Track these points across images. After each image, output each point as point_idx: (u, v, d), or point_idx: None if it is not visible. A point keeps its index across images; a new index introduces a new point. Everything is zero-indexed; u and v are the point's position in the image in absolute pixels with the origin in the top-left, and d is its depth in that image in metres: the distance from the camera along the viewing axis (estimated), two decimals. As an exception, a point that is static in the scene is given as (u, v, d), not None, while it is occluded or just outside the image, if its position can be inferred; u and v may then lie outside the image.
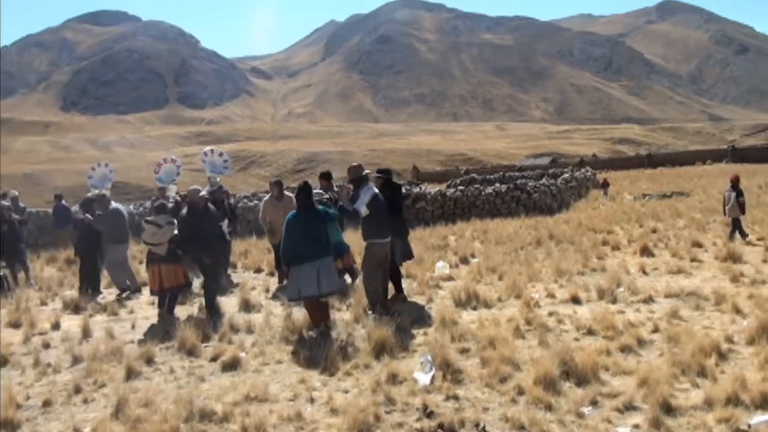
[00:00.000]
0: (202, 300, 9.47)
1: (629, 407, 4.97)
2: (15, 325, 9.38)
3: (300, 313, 8.13)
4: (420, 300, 9.21)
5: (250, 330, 8.08)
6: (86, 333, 8.52)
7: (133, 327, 8.99)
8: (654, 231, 14.71)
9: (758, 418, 4.62)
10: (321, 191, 10.50)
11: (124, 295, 11.38)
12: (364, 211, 8.14)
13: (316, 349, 6.76)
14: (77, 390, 6.17)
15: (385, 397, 5.38)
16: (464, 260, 12.44)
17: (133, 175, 66.85)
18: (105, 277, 12.40)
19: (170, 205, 10.92)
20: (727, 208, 13.14)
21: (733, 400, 4.84)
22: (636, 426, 4.67)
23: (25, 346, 8.19)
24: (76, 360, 7.24)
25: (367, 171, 8.77)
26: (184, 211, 9.57)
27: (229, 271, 12.60)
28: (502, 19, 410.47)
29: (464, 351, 6.54)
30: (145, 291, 10.93)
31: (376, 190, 8.42)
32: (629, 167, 58.08)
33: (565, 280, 9.80)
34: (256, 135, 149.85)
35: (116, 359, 7.06)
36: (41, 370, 6.95)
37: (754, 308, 7.36)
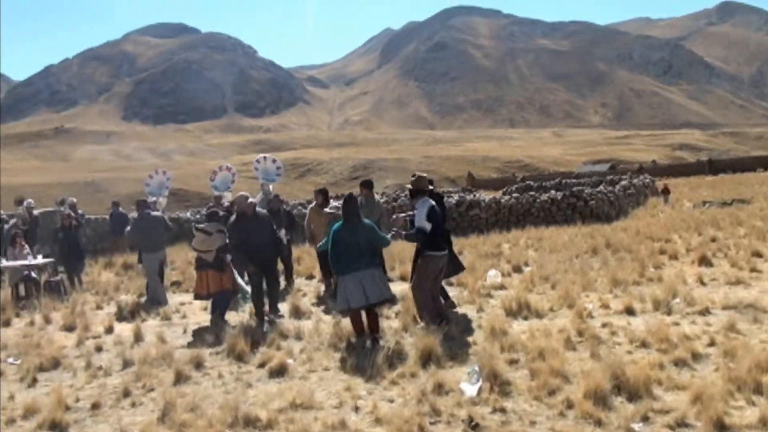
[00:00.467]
0: (251, 306, 9.54)
1: (681, 424, 4.74)
2: (69, 328, 9.61)
3: (349, 321, 8.12)
4: (470, 309, 9.06)
5: (299, 336, 8.09)
6: (138, 337, 8.68)
7: (184, 332, 9.12)
8: (713, 240, 14.15)
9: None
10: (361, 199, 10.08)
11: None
12: (427, 226, 7.81)
13: (363, 357, 6.71)
14: (126, 393, 6.26)
15: (431, 407, 5.27)
16: (517, 269, 12.20)
17: (192, 182, 68.53)
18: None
19: (221, 213, 10.98)
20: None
21: (791, 420, 4.57)
22: (690, 444, 4.46)
23: (77, 349, 8.38)
24: (126, 364, 7.37)
25: (430, 187, 8.43)
26: (233, 218, 9.67)
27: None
28: (559, 24, 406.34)
29: (513, 362, 6.38)
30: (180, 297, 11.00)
31: (433, 202, 8.07)
32: (689, 174, 56.64)
33: (620, 290, 9.49)
34: (313, 143, 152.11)
35: (166, 363, 7.14)
36: (92, 373, 7.09)
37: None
